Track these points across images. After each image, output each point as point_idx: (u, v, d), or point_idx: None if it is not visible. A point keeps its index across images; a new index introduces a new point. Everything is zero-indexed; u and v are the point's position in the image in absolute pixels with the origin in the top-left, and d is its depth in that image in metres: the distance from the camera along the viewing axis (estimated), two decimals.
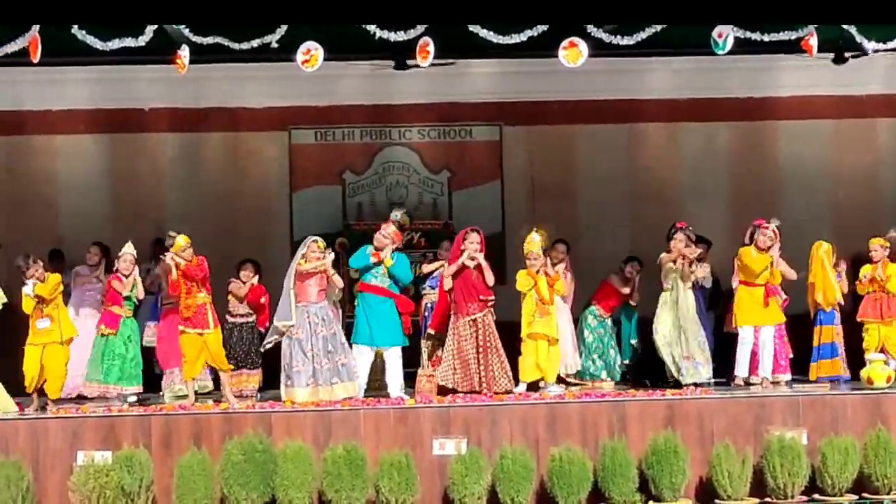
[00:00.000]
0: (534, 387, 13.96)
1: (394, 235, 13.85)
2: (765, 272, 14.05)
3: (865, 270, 14.48)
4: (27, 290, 13.23)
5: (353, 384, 13.43)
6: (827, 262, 14.35)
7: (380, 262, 13.72)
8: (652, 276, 14.70)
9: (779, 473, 12.30)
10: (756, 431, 12.72)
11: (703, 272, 14.67)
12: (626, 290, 15.22)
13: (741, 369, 14.09)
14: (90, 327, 14.29)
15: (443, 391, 13.84)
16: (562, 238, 15.30)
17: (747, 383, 14.11)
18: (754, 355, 14.20)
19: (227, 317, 14.66)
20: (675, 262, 14.13)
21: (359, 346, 13.69)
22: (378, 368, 14.02)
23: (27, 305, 13.26)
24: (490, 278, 13.94)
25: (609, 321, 15.35)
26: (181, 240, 13.55)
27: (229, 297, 14.76)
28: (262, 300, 14.72)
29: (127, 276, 13.62)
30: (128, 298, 13.60)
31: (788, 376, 14.50)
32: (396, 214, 14.27)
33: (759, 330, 14.09)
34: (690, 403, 12.94)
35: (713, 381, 14.13)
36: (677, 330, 14.08)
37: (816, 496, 12.45)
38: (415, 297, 14.70)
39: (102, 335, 13.56)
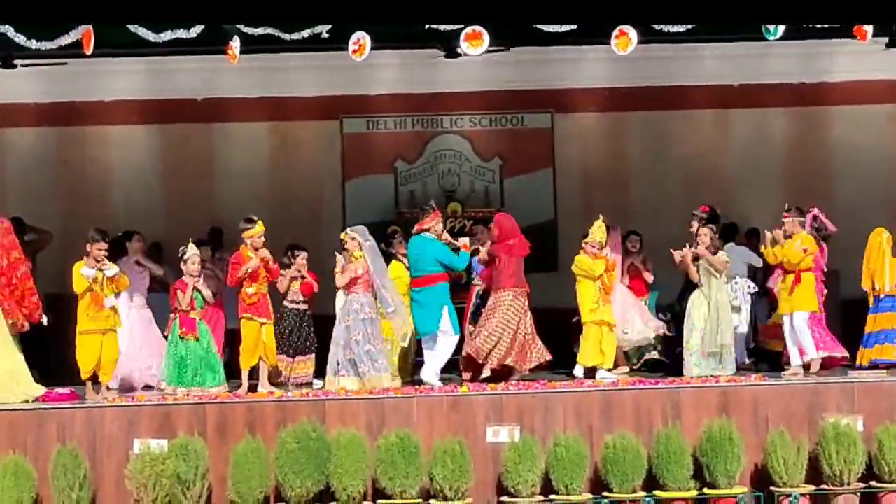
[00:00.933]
0: (590, 373, 13.94)
1: (435, 221, 13.82)
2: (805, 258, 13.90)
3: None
4: (87, 271, 13.16)
5: (386, 376, 13.38)
6: (887, 249, 14.22)
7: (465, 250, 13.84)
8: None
9: (834, 460, 12.22)
10: (811, 418, 12.64)
11: (724, 257, 14.36)
12: (628, 265, 15.26)
13: (793, 357, 13.92)
14: (134, 318, 14.34)
15: (469, 362, 13.84)
16: (634, 230, 15.40)
17: (806, 368, 13.89)
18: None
19: (287, 303, 14.59)
20: (696, 260, 13.96)
21: (431, 338, 13.67)
22: (401, 356, 14.16)
23: (80, 285, 13.14)
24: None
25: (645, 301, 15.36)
26: (259, 226, 13.54)
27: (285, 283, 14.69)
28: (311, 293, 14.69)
29: (196, 277, 13.55)
30: (199, 300, 13.53)
31: (843, 352, 14.31)
32: (431, 205, 14.21)
33: (791, 316, 13.94)
34: (745, 390, 12.88)
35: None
36: (713, 324, 13.91)
37: (873, 483, 12.37)
38: (465, 286, 14.70)
39: (182, 338, 13.44)
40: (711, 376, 13.49)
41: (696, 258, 13.94)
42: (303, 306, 14.46)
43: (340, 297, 13.80)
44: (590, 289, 13.99)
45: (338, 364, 13.35)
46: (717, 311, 13.82)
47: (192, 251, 13.58)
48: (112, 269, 13.21)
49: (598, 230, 14.08)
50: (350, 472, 11.92)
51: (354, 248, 13.58)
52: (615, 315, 14.24)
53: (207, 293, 13.61)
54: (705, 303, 13.86)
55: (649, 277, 15.36)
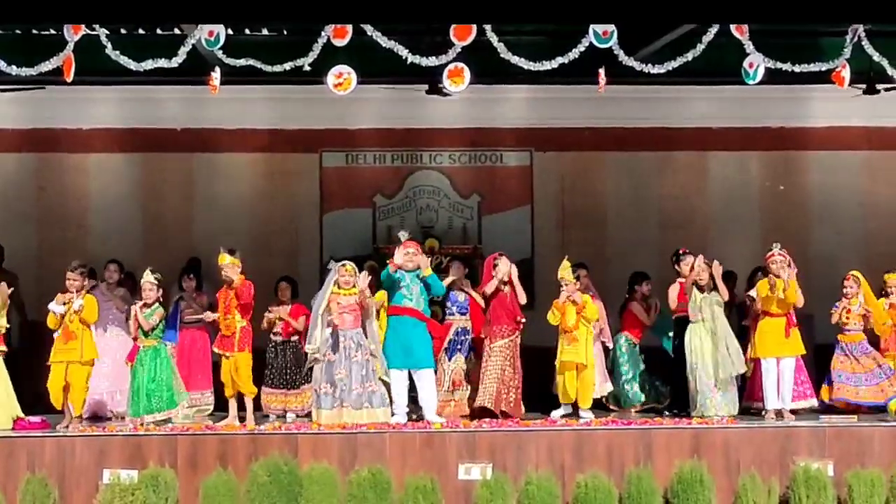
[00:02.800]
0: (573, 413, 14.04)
1: (412, 249, 13.78)
2: (783, 301, 13.91)
3: (881, 305, 14.39)
4: (55, 307, 13.25)
5: (384, 410, 13.39)
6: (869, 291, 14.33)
7: (396, 272, 13.67)
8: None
9: None
10: (782, 462, 12.67)
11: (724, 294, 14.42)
12: (647, 318, 15.28)
13: (770, 402, 13.92)
14: (114, 346, 14.34)
15: (478, 413, 13.84)
16: (582, 262, 15.27)
17: (778, 415, 13.93)
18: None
19: (272, 336, 14.63)
20: (699, 282, 13.99)
21: (393, 371, 13.64)
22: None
23: (52, 322, 13.30)
24: (523, 298, 14.02)
25: (638, 347, 15.36)
26: (228, 258, 13.57)
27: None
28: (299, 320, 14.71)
29: (150, 305, 13.56)
30: (152, 328, 13.52)
31: (813, 402, 14.37)
32: (404, 235, 14.19)
33: (780, 361, 13.96)
34: (717, 433, 12.90)
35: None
36: (714, 360, 13.95)
37: None
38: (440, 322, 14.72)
39: (136, 366, 13.44)
40: (720, 416, 13.51)
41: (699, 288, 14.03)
42: (287, 338, 14.58)
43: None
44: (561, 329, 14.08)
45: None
46: (727, 341, 13.88)
47: (145, 278, 13.59)
48: (78, 302, 13.23)
49: (563, 270, 14.13)
50: None
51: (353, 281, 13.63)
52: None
53: (142, 321, 13.46)
54: (709, 336, 13.90)
55: (653, 319, 15.34)
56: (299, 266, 16.87)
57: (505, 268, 14.07)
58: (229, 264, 13.56)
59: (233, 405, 13.71)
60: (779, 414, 13.68)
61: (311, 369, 13.87)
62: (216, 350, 13.77)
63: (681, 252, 14.64)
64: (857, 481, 12.35)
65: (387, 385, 13.61)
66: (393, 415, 13.44)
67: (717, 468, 12.52)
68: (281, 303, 14.78)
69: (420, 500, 11.96)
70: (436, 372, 13.99)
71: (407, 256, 13.74)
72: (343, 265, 13.70)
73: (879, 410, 13.89)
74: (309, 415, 14.12)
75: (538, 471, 12.36)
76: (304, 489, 11.95)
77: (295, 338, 14.69)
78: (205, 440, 12.56)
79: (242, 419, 13.60)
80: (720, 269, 14.01)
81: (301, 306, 14.73)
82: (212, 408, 14.72)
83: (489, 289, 14.09)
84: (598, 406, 14.58)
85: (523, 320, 14.09)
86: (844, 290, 14.31)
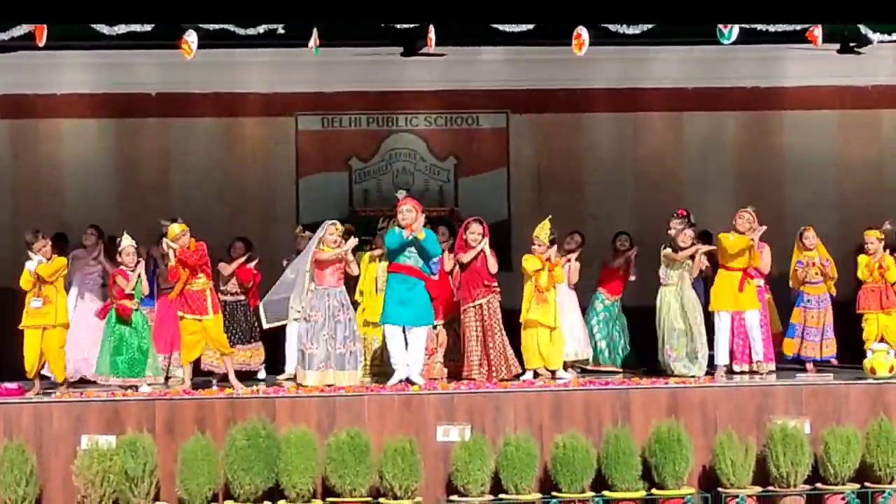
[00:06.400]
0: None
1: (407, 207, 13.71)
2: (741, 256, 14.02)
3: (864, 261, 14.52)
4: (30, 265, 13.24)
5: (356, 373, 13.44)
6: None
7: (412, 236, 13.53)
8: (649, 262, 14.77)
9: (782, 462, 12.33)
10: (759, 420, 12.75)
11: (704, 263, 14.54)
12: (619, 263, 15.30)
13: (721, 357, 14.03)
14: (92, 311, 14.32)
15: (456, 377, 13.86)
16: (578, 230, 15.39)
17: (731, 372, 14.06)
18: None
19: (220, 296, 14.58)
20: (692, 257, 14.08)
21: (390, 327, 13.60)
22: (376, 354, 14.16)
23: (25, 281, 13.28)
24: (494, 265, 13.97)
25: (617, 305, 15.41)
26: (176, 227, 13.49)
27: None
28: (250, 283, 14.76)
29: (133, 270, 13.53)
30: (132, 293, 13.50)
31: (772, 366, 14.48)
32: (402, 192, 14.18)
33: (743, 315, 14.05)
34: (694, 392, 12.98)
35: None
36: (686, 325, 14.03)
37: (819, 485, 12.49)
38: None
39: (114, 327, 13.43)
40: (691, 377, 13.58)
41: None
42: (235, 298, 14.60)
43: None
44: (528, 289, 14.08)
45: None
46: (695, 309, 13.98)
47: (126, 242, 13.56)
48: (32, 262, 13.30)
49: (541, 229, 14.16)
50: (300, 470, 11.92)
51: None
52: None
53: (145, 285, 13.57)
54: (678, 302, 13.97)
55: (634, 275, 15.38)
56: (276, 230, 16.84)
57: (481, 237, 14.00)
58: (180, 233, 13.49)
59: (188, 371, 13.67)
60: (729, 371, 13.82)
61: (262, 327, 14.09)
62: (186, 315, 13.53)
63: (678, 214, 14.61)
64: (833, 439, 12.44)
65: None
66: (394, 371, 13.44)
67: (694, 427, 12.60)
68: (233, 260, 14.82)
69: (399, 462, 11.99)
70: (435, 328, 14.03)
71: (410, 214, 13.63)
72: (333, 223, 13.72)
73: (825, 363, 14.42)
74: (248, 373, 14.18)
75: (516, 432, 12.41)
76: (282, 453, 11.96)
77: (242, 297, 14.73)
78: (182, 405, 12.56)
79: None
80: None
81: (249, 270, 14.74)
82: (181, 375, 14.68)
83: (466, 258, 14.05)
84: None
85: (494, 284, 14.05)
86: (806, 243, 14.58)
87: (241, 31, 13.13)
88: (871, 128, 17.98)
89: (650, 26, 13.37)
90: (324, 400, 12.68)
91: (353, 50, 15.68)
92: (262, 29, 13.12)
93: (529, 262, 14.08)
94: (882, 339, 14.23)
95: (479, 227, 14.08)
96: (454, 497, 12.21)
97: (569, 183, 17.71)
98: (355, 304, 14.22)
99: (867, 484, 12.49)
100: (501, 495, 12.19)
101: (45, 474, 12.19)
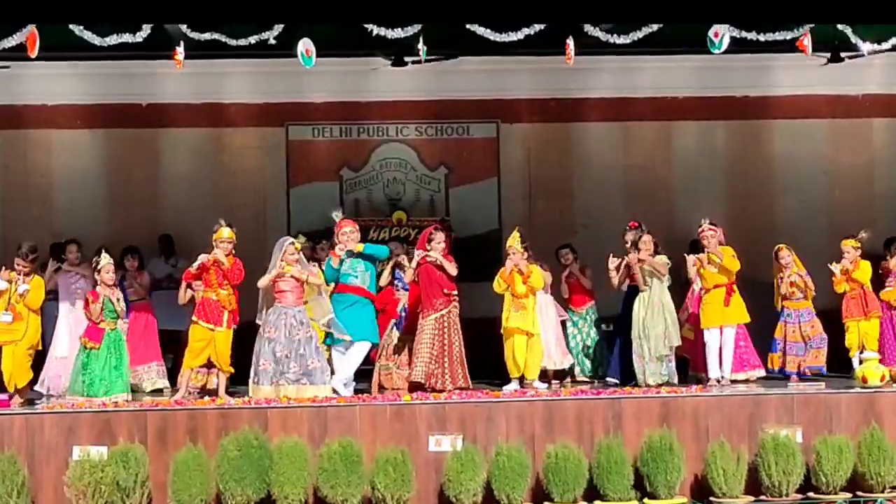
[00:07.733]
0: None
1: (350, 228, 13.73)
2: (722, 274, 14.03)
3: (840, 269, 14.59)
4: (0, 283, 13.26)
5: (324, 387, 13.28)
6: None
7: (351, 254, 13.61)
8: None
9: (773, 471, 12.32)
10: (751, 429, 12.74)
11: (665, 259, 14.46)
12: (567, 276, 15.34)
13: (712, 371, 14.04)
14: (78, 326, 14.23)
15: (412, 388, 13.84)
16: (568, 244, 15.50)
17: (719, 383, 14.07)
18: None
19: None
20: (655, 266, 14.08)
21: (337, 349, 13.70)
22: None
23: None
24: (453, 269, 13.97)
25: (588, 317, 15.43)
26: (226, 232, 13.41)
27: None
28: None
29: (111, 286, 13.43)
30: (110, 311, 13.40)
31: (761, 372, 14.51)
32: (337, 214, 14.15)
33: (722, 330, 14.07)
34: (685, 401, 12.96)
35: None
36: (662, 327, 14.04)
37: (811, 494, 12.47)
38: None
39: (85, 347, 13.32)
40: (659, 385, 13.60)
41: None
42: None
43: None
44: (507, 297, 14.10)
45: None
46: (664, 313, 13.95)
47: (105, 261, 13.47)
48: (23, 287, 13.23)
49: (512, 239, 14.18)
50: (291, 480, 11.89)
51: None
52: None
53: (120, 306, 13.47)
54: (650, 306, 13.96)
55: (587, 283, 15.40)
56: (267, 241, 16.79)
57: (438, 245, 13.98)
58: (228, 239, 13.43)
59: (183, 380, 13.63)
60: (720, 383, 13.83)
61: None
62: (199, 322, 13.39)
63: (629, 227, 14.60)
64: (825, 448, 12.44)
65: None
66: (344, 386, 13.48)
67: (686, 436, 12.58)
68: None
69: (391, 472, 11.97)
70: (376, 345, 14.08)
71: (354, 235, 13.69)
72: (292, 242, 13.62)
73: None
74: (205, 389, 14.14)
75: (508, 441, 12.40)
76: (274, 463, 11.94)
77: None
78: (174, 415, 12.53)
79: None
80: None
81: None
82: (164, 385, 14.76)
83: (408, 278, 14.18)
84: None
85: (454, 293, 14.04)
86: (782, 262, 14.51)
87: (231, 42, 13.13)
88: (861, 136, 18.04)
89: (641, 35, 13.39)
90: (315, 410, 12.65)
91: (343, 60, 15.70)
92: (252, 39, 13.13)
93: (496, 285, 14.10)
94: (863, 347, 14.36)
95: (442, 236, 14.11)
96: None
97: (560, 192, 17.75)
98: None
99: (859, 493, 12.48)
100: None
101: (37, 485, 12.15)
